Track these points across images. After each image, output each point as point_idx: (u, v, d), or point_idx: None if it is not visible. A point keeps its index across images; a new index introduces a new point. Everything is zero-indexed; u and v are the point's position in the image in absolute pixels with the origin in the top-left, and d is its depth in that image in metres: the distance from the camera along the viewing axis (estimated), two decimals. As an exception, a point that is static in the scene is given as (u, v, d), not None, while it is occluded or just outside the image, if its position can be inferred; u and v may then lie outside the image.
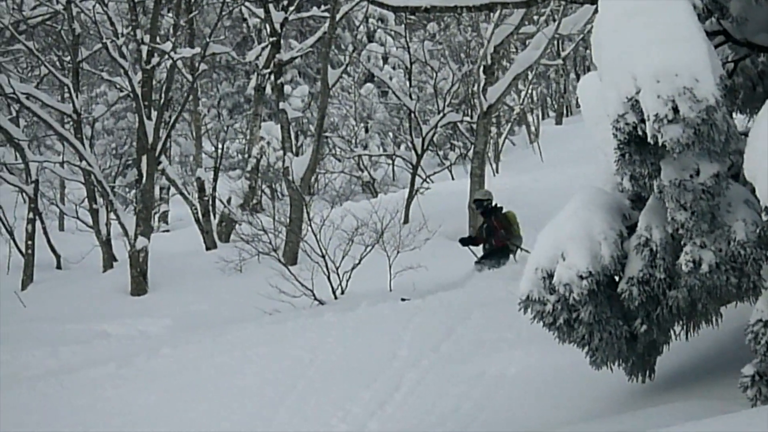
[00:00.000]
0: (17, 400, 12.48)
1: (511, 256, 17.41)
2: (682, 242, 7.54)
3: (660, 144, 6.92)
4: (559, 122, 49.23)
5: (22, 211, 28.07)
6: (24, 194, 27.33)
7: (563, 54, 39.18)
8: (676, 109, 6.82)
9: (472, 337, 12.95)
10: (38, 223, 26.13)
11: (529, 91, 40.04)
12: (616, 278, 8.33)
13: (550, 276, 8.44)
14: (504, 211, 17.89)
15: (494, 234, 17.54)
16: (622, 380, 8.81)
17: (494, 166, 35.30)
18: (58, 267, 26.51)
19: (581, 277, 8.11)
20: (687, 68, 6.85)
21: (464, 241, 18.29)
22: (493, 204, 17.86)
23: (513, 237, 17.53)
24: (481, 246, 18.01)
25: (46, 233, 26.75)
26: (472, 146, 25.46)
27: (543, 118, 49.88)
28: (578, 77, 50.20)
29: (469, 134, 34.68)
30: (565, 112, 51.18)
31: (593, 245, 8.22)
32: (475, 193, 18.83)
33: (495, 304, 13.85)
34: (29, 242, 25.34)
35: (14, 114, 29.39)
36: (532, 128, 41.92)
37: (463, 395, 11.13)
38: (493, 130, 34.90)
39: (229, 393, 12.15)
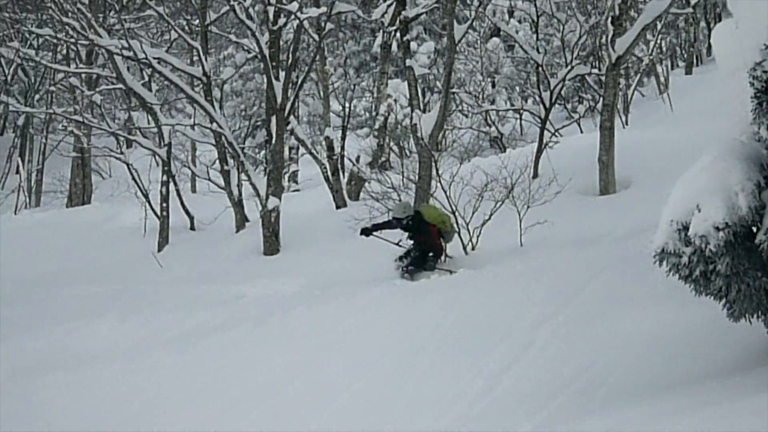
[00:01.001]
0: (155, 363, 12.80)
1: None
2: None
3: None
4: (689, 72, 48.19)
5: (156, 174, 28.62)
6: (157, 157, 27.84)
7: (693, 2, 38.28)
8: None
9: (604, 294, 12.84)
10: (171, 186, 26.57)
11: (659, 41, 39.23)
12: (754, 229, 8.19)
13: (686, 228, 8.33)
14: (424, 213, 16.80)
15: (435, 246, 16.73)
16: (761, 333, 8.66)
17: (623, 118, 34.75)
18: (192, 228, 26.93)
19: (718, 229, 7.99)
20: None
21: (368, 231, 17.32)
22: (413, 213, 16.73)
23: (447, 239, 16.90)
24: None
25: (179, 195, 27.18)
26: (601, 99, 25.08)
27: (672, 69, 48.89)
28: (708, 26, 49.06)
29: (598, 87, 34.21)
30: (695, 61, 50.06)
31: (730, 196, 8.08)
32: (394, 212, 17.05)
33: (627, 259, 13.70)
34: (164, 204, 25.80)
35: (146, 79, 29.97)
36: (662, 79, 41.15)
37: (596, 352, 11.08)
38: (622, 81, 34.35)
39: (363, 352, 12.29)
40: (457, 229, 17.20)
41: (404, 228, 16.80)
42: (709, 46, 48.37)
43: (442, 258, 16.81)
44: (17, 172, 37.98)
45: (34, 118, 39.94)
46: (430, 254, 16.66)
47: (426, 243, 16.62)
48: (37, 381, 12.45)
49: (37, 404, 12.00)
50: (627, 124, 34.43)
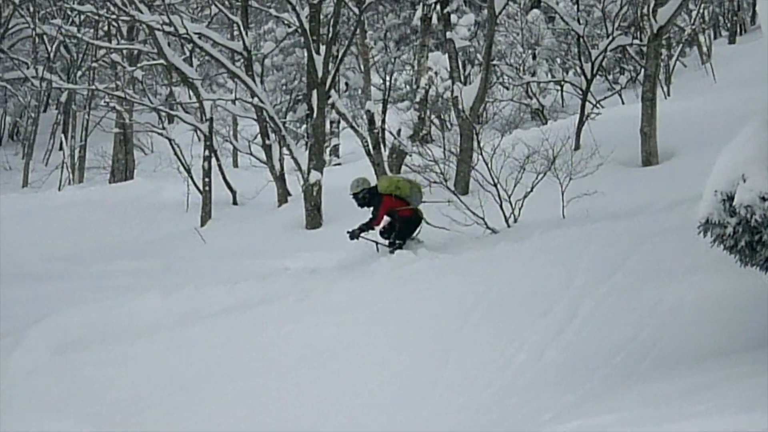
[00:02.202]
0: (199, 337, 12.87)
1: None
2: None
3: None
4: (732, 41, 47.65)
5: (198, 149, 28.76)
6: (199, 132, 27.96)
7: (736, -30, 37.89)
8: None
9: (647, 265, 12.77)
10: (214, 161, 26.68)
11: (701, 11, 38.85)
12: (801, 198, 8.09)
13: (730, 199, 8.26)
14: (379, 186, 16.43)
15: (397, 213, 16.27)
16: (807, 304, 8.59)
17: (665, 89, 34.51)
18: (234, 203, 27.06)
19: (764, 199, 7.92)
20: None
21: (355, 234, 16.54)
22: (370, 187, 16.44)
23: (414, 201, 16.38)
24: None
25: (221, 170, 27.30)
26: (643, 70, 24.90)
27: (715, 38, 48.36)
28: (753, -7, 48.47)
29: (639, 57, 33.93)
30: (738, 30, 49.48)
31: (776, 166, 7.99)
32: (350, 189, 16.80)
33: (671, 230, 13.61)
34: (206, 179, 25.93)
35: (187, 54, 30.04)
36: (704, 49, 40.75)
37: (639, 323, 11.03)
38: (664, 52, 34.04)
39: (405, 325, 12.30)
40: (421, 184, 16.85)
41: (360, 204, 16.64)
42: (754, 14, 47.99)
43: (417, 231, 16.54)
44: (61, 148, 38.27)
45: (76, 94, 40.19)
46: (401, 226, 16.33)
47: (396, 212, 16.30)
48: (82, 356, 12.53)
49: (82, 379, 12.09)
50: (669, 94, 34.19)
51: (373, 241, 16.51)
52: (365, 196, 16.22)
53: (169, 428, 10.79)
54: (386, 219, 16.52)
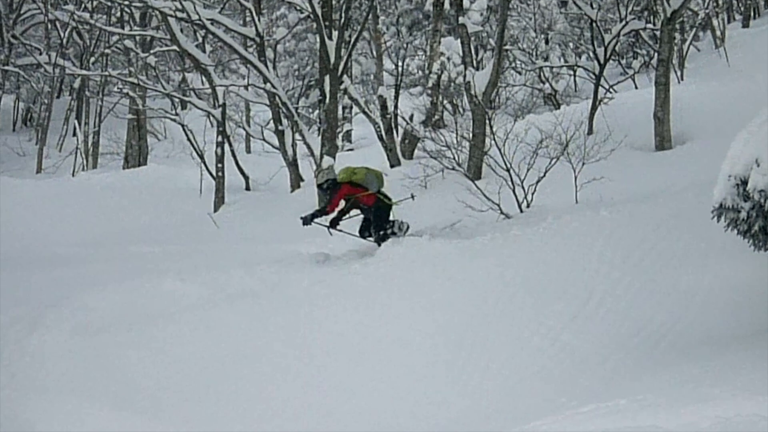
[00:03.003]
0: (215, 321, 12.94)
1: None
2: None
3: None
4: (746, 25, 47.40)
5: (211, 135, 28.80)
6: (212, 118, 28.01)
7: (750, -47, 37.73)
8: None
9: (662, 249, 12.79)
10: (227, 146, 26.72)
11: (715, -6, 38.72)
12: (815, 184, 8.12)
13: (744, 183, 8.29)
14: (339, 177, 15.84)
15: (360, 200, 15.74)
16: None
17: (679, 73, 34.38)
18: (247, 188, 27.11)
19: (778, 184, 7.94)
20: None
21: (307, 219, 15.86)
22: (333, 177, 15.84)
23: (372, 186, 15.75)
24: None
25: (234, 156, 27.33)
26: (656, 54, 24.84)
27: (729, 22, 48.12)
28: (767, -23, 48.28)
29: (653, 42, 33.80)
30: (752, 14, 49.26)
31: (790, 151, 8.02)
32: (317, 179, 16.27)
33: (684, 215, 13.61)
34: (219, 165, 25.98)
35: (200, 40, 30.07)
36: (718, 33, 40.59)
37: (656, 306, 11.07)
38: (677, 36, 33.93)
39: (421, 309, 12.35)
40: (379, 171, 16.32)
41: (325, 194, 16.18)
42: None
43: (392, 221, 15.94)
44: (74, 134, 38.33)
45: (89, 80, 40.24)
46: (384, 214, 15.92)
47: (355, 198, 15.78)
48: (100, 338, 12.62)
49: (100, 361, 12.18)
50: (682, 79, 34.07)
51: (325, 225, 16.14)
52: (329, 186, 16.04)
53: (189, 410, 10.88)
54: (362, 215, 16.23)
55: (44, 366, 12.00)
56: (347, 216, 16.05)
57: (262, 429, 10.32)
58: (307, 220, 15.69)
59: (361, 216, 16.01)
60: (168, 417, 10.76)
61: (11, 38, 40.54)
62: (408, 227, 15.90)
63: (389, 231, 15.51)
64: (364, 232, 15.95)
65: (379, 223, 15.67)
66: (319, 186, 15.96)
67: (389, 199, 15.88)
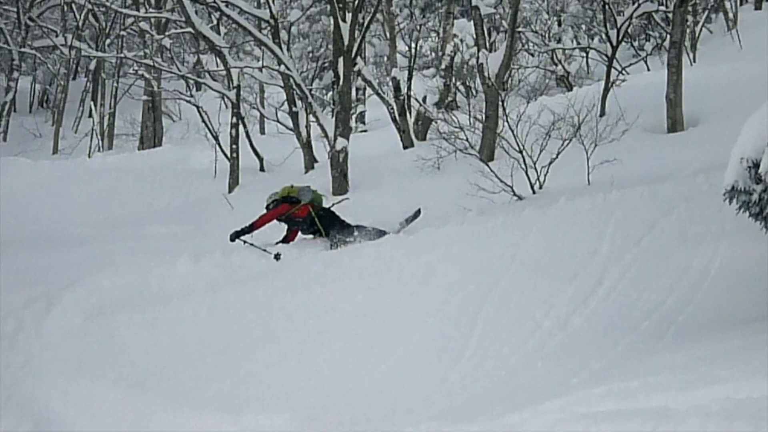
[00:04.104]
0: (229, 301, 12.93)
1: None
2: None
3: None
4: (758, 7, 47.11)
5: (226, 117, 28.75)
6: (226, 100, 27.95)
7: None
8: None
9: (674, 231, 12.74)
10: (241, 128, 26.67)
11: (728, -24, 38.52)
12: (827, 167, 8.05)
13: (756, 166, 8.23)
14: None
15: (294, 215, 15.64)
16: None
17: (691, 55, 34.26)
18: (262, 170, 27.04)
19: (790, 167, 7.87)
20: None
21: (232, 237, 15.50)
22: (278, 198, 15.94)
23: (305, 196, 15.71)
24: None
25: (248, 137, 27.27)
26: (668, 36, 24.73)
27: (741, 4, 47.84)
28: (780, -42, 47.90)
29: (665, 24, 33.67)
30: (765, -4, 49.02)
31: (802, 133, 7.94)
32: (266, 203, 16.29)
33: (697, 197, 13.56)
34: (233, 146, 25.92)
35: (215, 22, 30.01)
36: (730, 15, 40.40)
37: (667, 289, 11.02)
38: (690, 18, 33.78)
39: (433, 290, 12.32)
40: (308, 186, 16.21)
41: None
42: (780, -21, 47.38)
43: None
44: (90, 116, 38.36)
45: (105, 62, 40.27)
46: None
47: (292, 216, 15.75)
48: (114, 319, 12.61)
49: (114, 342, 12.18)
50: (695, 61, 33.94)
51: (250, 243, 15.87)
52: (275, 206, 15.88)
53: (202, 391, 10.88)
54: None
55: (59, 347, 11.99)
56: (302, 237, 15.88)
57: (275, 410, 10.30)
58: (232, 237, 15.50)
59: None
60: (181, 398, 10.75)
61: (28, 20, 40.56)
62: (418, 213, 15.86)
63: (346, 238, 15.30)
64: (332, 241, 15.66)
65: (326, 228, 15.56)
66: (267, 207, 15.88)
67: (324, 210, 15.73)
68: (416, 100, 28.28)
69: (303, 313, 12.31)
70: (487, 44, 24.98)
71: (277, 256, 14.55)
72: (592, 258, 12.38)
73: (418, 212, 16.01)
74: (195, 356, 11.68)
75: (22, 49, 40.03)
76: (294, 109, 25.38)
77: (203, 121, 28.07)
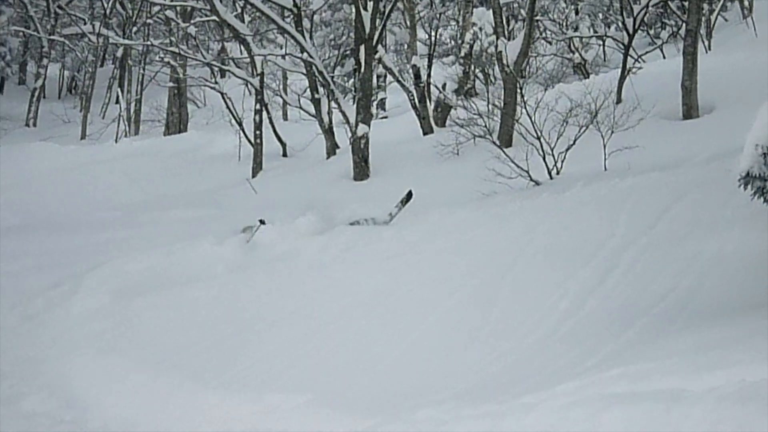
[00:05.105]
0: (252, 284, 12.96)
1: None
2: None
3: None
4: (774, -4, 46.91)
5: (249, 103, 28.73)
6: (250, 86, 27.94)
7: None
8: None
9: (688, 216, 12.67)
10: (264, 114, 26.66)
11: (743, -35, 38.24)
12: (841, 153, 7.97)
13: (772, 152, 8.15)
14: None
15: None
16: None
17: (706, 43, 34.02)
18: (284, 155, 27.03)
19: (804, 153, 7.80)
20: None
21: None
22: None
23: None
24: None
25: (271, 123, 27.26)
26: (684, 24, 24.55)
27: (757, -7, 47.58)
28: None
29: (681, 12, 33.44)
30: (780, -15, 48.65)
31: (816, 120, 7.86)
32: None
33: (711, 183, 13.46)
34: (257, 132, 25.91)
35: (239, 10, 29.98)
36: (746, 3, 40.12)
37: (680, 273, 10.96)
38: (705, 7, 33.54)
39: (451, 273, 12.30)
40: None
41: None
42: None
43: None
44: (117, 102, 38.42)
45: (132, 50, 40.28)
46: None
47: None
48: (139, 300, 12.67)
49: (139, 323, 12.23)
50: (710, 49, 33.72)
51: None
52: None
53: (223, 371, 10.90)
54: None
55: (86, 327, 12.06)
56: None
57: (296, 389, 10.30)
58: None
59: None
60: (203, 377, 10.78)
61: (57, 9, 40.69)
62: (410, 196, 15.73)
63: None
64: None
65: None
66: None
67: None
68: (436, 87, 28.20)
69: (323, 295, 12.33)
70: (506, 32, 24.90)
71: (262, 221, 14.64)
72: (607, 242, 12.33)
73: (410, 195, 15.99)
74: (217, 337, 11.70)
75: (52, 37, 40.16)
76: (316, 95, 25.35)
77: (227, 107, 28.07)
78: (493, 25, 24.08)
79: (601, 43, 39.08)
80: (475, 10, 28.87)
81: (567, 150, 17.35)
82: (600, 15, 39.85)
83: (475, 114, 19.78)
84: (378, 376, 10.44)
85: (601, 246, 12.22)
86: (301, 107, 28.34)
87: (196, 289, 12.90)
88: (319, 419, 9.41)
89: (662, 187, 14.08)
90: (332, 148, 25.17)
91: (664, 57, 33.77)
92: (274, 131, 27.05)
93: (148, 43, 33.78)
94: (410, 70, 27.83)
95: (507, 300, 11.35)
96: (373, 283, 12.45)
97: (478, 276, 12.07)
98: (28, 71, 46.59)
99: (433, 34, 33.41)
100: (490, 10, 25.48)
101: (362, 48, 22.51)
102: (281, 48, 28.75)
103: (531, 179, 16.96)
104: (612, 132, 17.53)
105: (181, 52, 29.52)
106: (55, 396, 10.68)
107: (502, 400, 8.27)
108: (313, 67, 24.61)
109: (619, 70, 24.78)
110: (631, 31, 25.64)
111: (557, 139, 17.48)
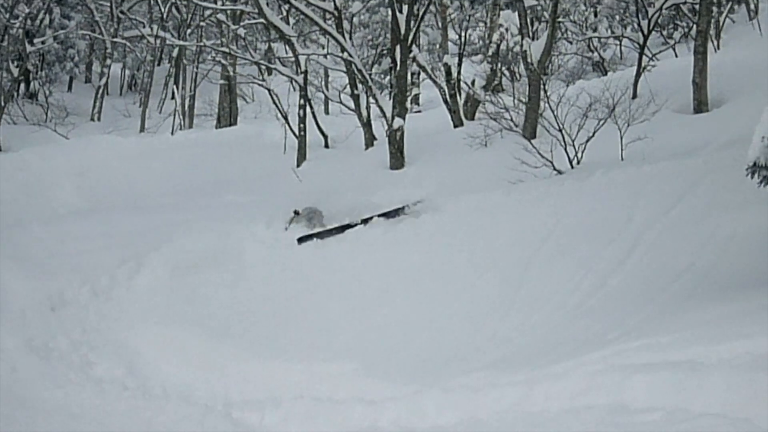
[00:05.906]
0: (299, 261, 12.98)
1: None
2: None
3: None
4: (778, -1, 46.40)
5: (294, 98, 28.73)
6: (295, 83, 27.94)
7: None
8: None
9: (702, 201, 12.60)
10: (308, 108, 26.65)
11: (750, -30, 37.87)
12: None
13: (778, 143, 8.09)
14: None
15: None
16: None
17: (715, 43, 33.71)
18: (326, 146, 26.99)
19: (808, 144, 7.73)
20: None
21: None
22: None
23: None
24: None
25: (314, 117, 27.23)
26: (695, 25, 24.34)
27: (762, -4, 47.10)
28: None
29: (692, 14, 33.18)
30: (785, -12, 48.10)
31: (821, 113, 7.79)
32: None
33: (722, 170, 13.36)
34: (301, 125, 25.89)
35: (284, 13, 29.97)
36: (752, 5, 39.74)
37: (696, 253, 10.90)
38: (715, 9, 33.23)
39: (484, 252, 12.30)
40: None
41: None
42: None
43: None
44: (173, 97, 38.53)
45: (186, 50, 40.37)
46: None
47: None
48: (197, 277, 12.71)
49: (197, 297, 12.28)
50: (719, 48, 33.42)
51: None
52: None
53: (275, 341, 10.94)
54: None
55: (148, 301, 12.12)
56: None
57: (342, 358, 10.33)
58: None
59: None
60: (256, 346, 10.84)
61: (119, 13, 40.88)
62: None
63: None
64: None
65: None
66: None
67: None
68: (465, 83, 28.10)
69: (366, 273, 12.36)
70: (530, 33, 24.83)
71: (296, 211, 14.63)
72: (627, 225, 12.28)
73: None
74: (269, 310, 11.75)
75: (114, 39, 40.33)
76: (355, 91, 25.31)
77: (274, 102, 28.07)
78: (519, 26, 23.98)
79: (618, 42, 38.85)
80: (502, 12, 28.69)
81: (587, 141, 17.28)
82: (617, 17, 39.61)
83: (501, 108, 19.71)
84: (417, 347, 10.47)
85: (622, 228, 12.17)
86: (341, 102, 28.33)
87: (248, 266, 12.94)
88: (364, 386, 9.45)
89: (677, 174, 14.00)
90: (370, 140, 25.15)
91: (676, 56, 33.56)
92: (317, 124, 27.05)
93: (201, 43, 33.83)
94: (442, 68, 27.75)
95: (536, 278, 11.34)
96: (411, 262, 12.47)
97: (508, 255, 12.06)
98: (93, 70, 46.83)
99: (463, 34, 33.20)
100: (516, 13, 25.37)
101: (398, 48, 22.46)
102: (323, 48, 28.76)
103: (554, 168, 16.91)
104: (628, 125, 17.44)
105: (231, 52, 29.58)
106: (121, 364, 10.75)
107: (531, 369, 8.27)
108: (353, 66, 24.58)
109: (635, 68, 24.62)
110: (645, 32, 25.45)
111: (578, 131, 17.41)
